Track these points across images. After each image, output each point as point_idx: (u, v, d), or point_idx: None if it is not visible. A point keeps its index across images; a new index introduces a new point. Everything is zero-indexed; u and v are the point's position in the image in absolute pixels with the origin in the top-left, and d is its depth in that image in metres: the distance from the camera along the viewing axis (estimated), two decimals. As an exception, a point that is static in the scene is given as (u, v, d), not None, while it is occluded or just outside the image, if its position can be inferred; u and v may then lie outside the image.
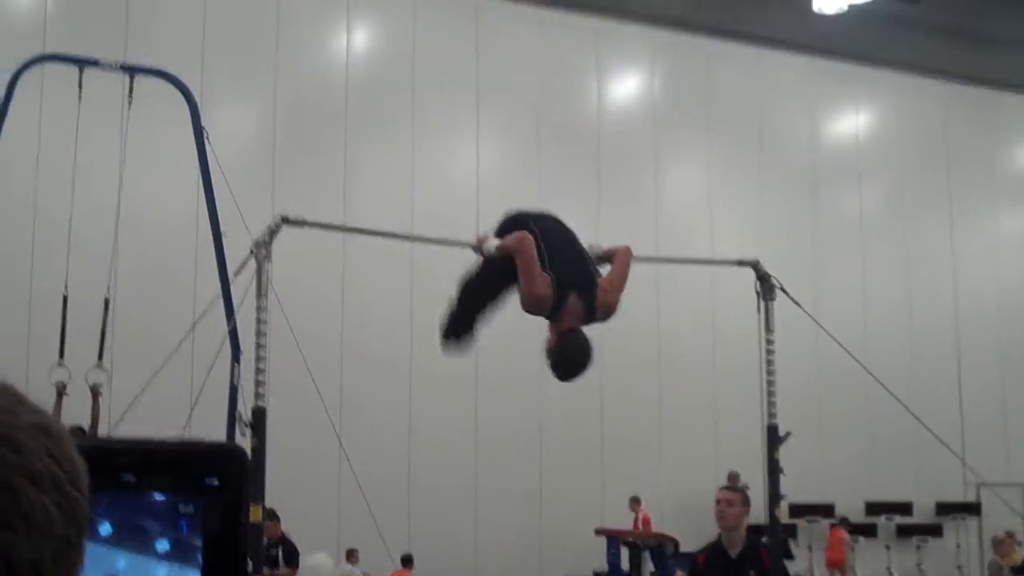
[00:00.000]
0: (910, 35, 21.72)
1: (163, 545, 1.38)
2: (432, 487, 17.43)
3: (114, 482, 1.33)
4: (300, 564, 13.90)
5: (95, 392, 10.97)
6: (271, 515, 12.19)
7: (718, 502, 7.02)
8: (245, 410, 7.41)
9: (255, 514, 6.90)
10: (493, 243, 6.72)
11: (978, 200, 22.76)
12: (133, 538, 1.37)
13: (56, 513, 1.10)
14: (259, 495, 6.80)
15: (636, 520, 17.77)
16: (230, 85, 17.10)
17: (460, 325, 7.39)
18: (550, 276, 6.49)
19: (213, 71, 16.61)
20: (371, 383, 17.14)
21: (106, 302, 11.41)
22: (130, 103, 11.03)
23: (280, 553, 13.54)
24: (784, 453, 8.11)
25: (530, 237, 6.55)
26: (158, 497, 1.37)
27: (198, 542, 1.38)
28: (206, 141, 10.89)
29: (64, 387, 10.76)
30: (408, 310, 17.41)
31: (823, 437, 19.60)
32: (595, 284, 6.69)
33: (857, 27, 20.70)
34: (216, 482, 1.39)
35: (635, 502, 17.93)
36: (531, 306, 6.62)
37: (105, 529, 1.35)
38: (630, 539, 16.68)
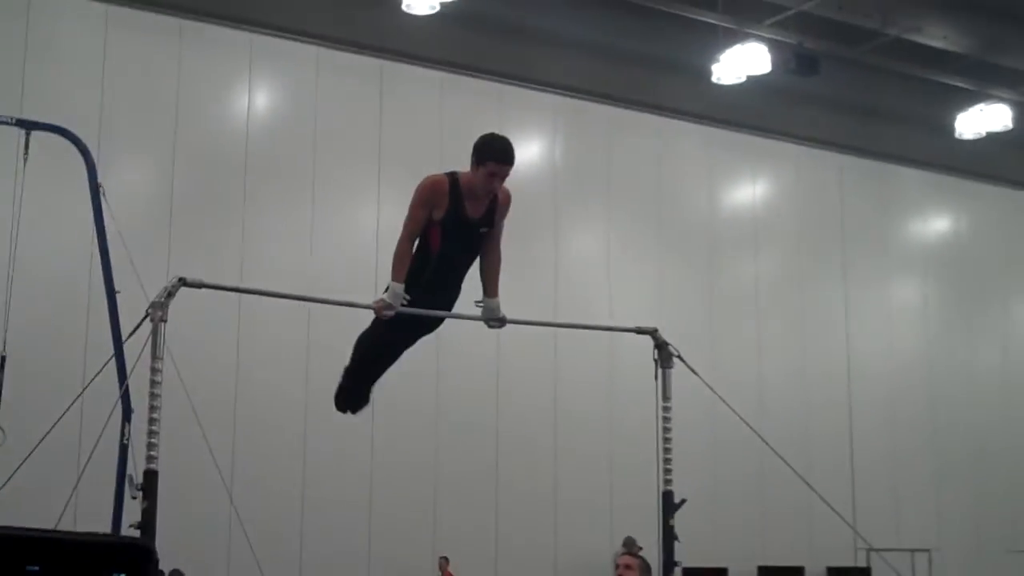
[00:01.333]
0: (807, 107, 22.18)
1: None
2: (324, 552, 17.22)
3: (19, 573, 1.31)
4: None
5: None
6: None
7: (617, 566, 7.05)
8: (136, 472, 7.27)
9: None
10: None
11: (872, 267, 23.19)
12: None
13: None
14: None
15: None
16: (128, 143, 16.93)
17: (355, 384, 7.45)
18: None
19: (111, 128, 16.46)
20: (265, 445, 16.95)
21: (1, 360, 11.21)
22: (26, 159, 10.89)
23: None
24: (679, 518, 8.12)
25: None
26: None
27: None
28: (102, 198, 10.78)
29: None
30: (304, 372, 17.27)
31: (717, 502, 19.73)
32: None
33: (755, 98, 21.08)
34: (122, 577, 1.37)
35: (444, 561, 17.78)
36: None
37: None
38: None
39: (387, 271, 7.27)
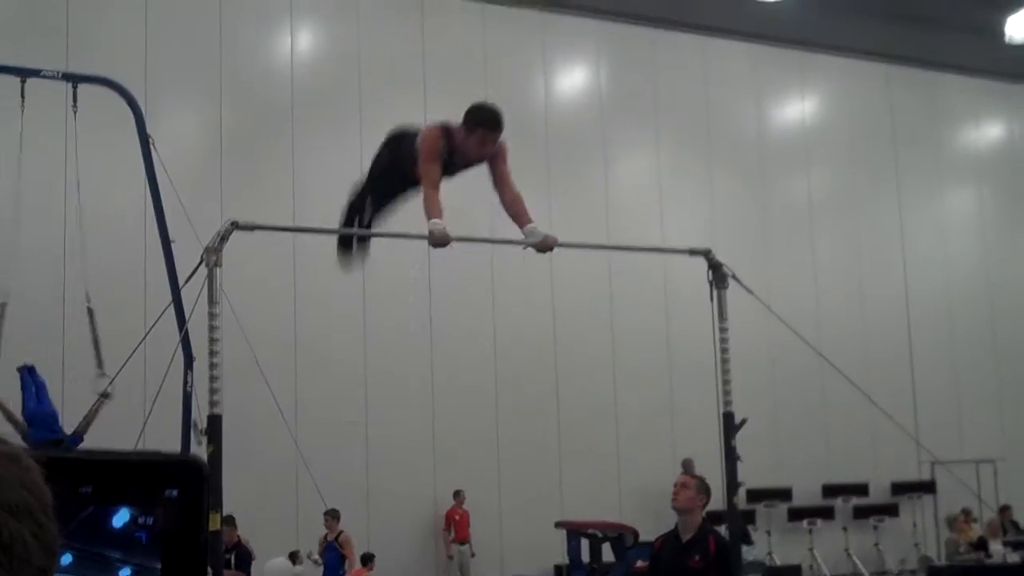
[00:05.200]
0: (850, 19, 21.86)
1: (125, 573, 1.38)
2: (391, 490, 17.38)
3: (73, 495, 1.32)
4: (252, 570, 13.88)
5: (104, 397, 11.03)
6: (227, 520, 12.15)
7: (675, 486, 7.09)
8: (200, 417, 7.36)
9: (214, 523, 6.86)
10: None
11: (925, 180, 22.94)
12: (94, 567, 1.36)
13: (33, 544, 1.09)
14: (217, 503, 6.77)
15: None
16: (175, 91, 16.97)
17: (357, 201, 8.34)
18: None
19: (157, 77, 16.48)
20: (327, 386, 17.07)
21: (89, 312, 11.35)
22: (75, 112, 10.95)
23: (233, 558, 13.48)
24: (740, 440, 8.13)
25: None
26: (116, 524, 1.37)
27: (158, 565, 1.37)
28: (152, 148, 10.83)
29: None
30: (361, 310, 17.37)
31: (778, 423, 19.73)
32: None
33: (798, 13, 20.83)
34: (175, 493, 1.39)
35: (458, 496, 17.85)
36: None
37: (66, 559, 1.33)
38: (590, 531, 16.71)
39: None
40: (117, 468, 1.41)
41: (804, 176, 21.86)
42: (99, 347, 11.38)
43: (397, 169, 7.72)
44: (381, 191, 8.06)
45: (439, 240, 7.18)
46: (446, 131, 7.38)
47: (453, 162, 7.41)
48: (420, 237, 7.52)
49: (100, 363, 11.23)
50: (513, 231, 7.63)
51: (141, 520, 1.38)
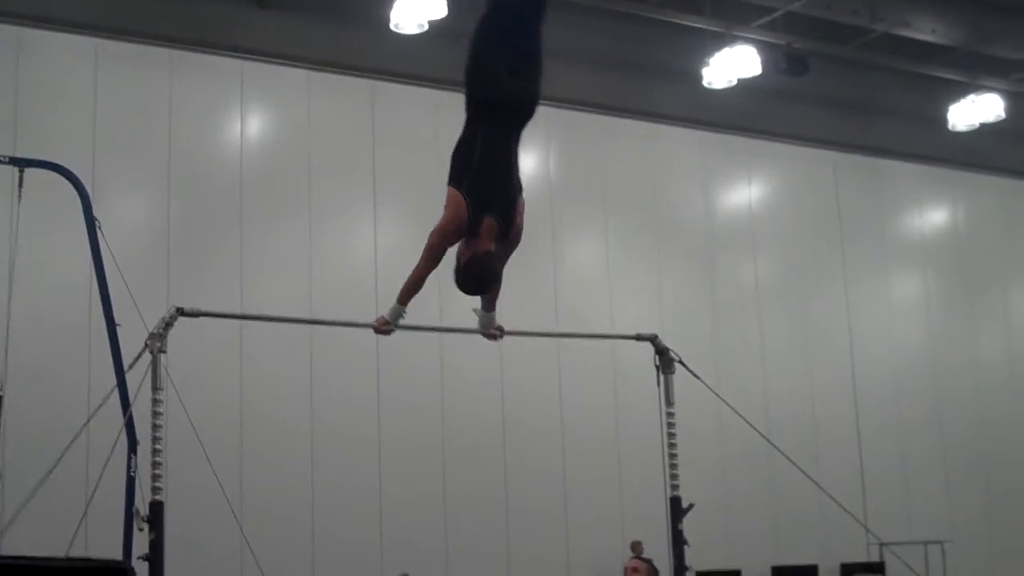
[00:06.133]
0: (798, 107, 22.20)
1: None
2: (338, 574, 17.19)
3: None
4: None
5: None
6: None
7: (625, 570, 7.09)
8: (143, 503, 7.29)
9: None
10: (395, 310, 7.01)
11: (871, 264, 23.18)
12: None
13: None
14: (159, 590, 6.68)
15: None
16: (122, 175, 16.93)
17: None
18: (465, 199, 6.84)
19: (105, 161, 16.46)
20: (273, 470, 16.92)
21: None
22: (20, 196, 10.93)
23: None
24: (689, 523, 8.14)
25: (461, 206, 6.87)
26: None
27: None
28: (99, 232, 10.81)
29: None
30: (308, 392, 17.28)
31: (728, 504, 19.74)
32: (514, 206, 6.85)
33: (747, 100, 21.11)
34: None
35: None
36: (445, 235, 6.93)
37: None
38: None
39: (386, 288, 7.35)
40: (46, 574, 1.40)
41: (751, 261, 22.02)
42: None
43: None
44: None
45: (380, 326, 7.12)
46: (471, 215, 7.00)
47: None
48: (365, 326, 7.49)
49: None
50: (463, 315, 7.62)
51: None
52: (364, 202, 18.54)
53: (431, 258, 6.95)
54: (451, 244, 7.01)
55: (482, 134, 6.97)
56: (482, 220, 6.86)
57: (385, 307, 7.42)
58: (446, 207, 6.95)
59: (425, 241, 7.10)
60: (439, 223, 6.99)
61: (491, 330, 7.44)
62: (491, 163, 6.99)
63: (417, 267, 7.02)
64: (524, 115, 7.07)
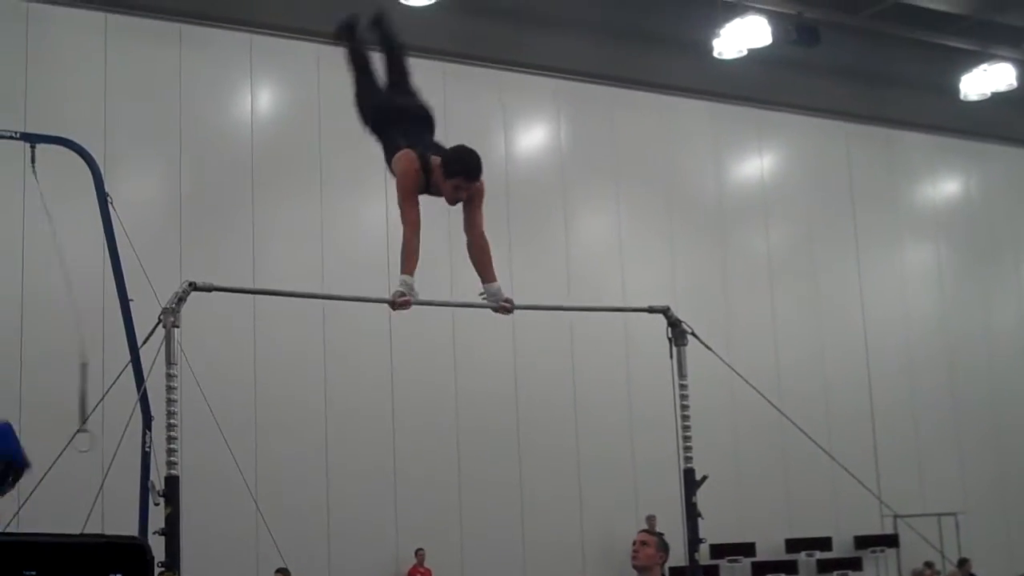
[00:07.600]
0: (809, 77, 22.11)
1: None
2: (352, 548, 17.26)
3: None
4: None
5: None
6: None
7: (633, 543, 7.05)
8: (158, 478, 7.30)
9: (172, 584, 6.77)
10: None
11: (884, 236, 23.11)
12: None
13: None
14: (175, 564, 6.69)
15: None
16: (134, 150, 16.92)
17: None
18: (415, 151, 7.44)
19: (116, 136, 16.45)
20: (287, 445, 16.96)
21: (83, 367, 11.22)
22: (33, 172, 10.91)
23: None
24: (703, 496, 8.12)
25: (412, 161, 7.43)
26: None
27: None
28: (110, 207, 10.78)
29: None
30: (322, 368, 17.30)
31: (741, 478, 19.75)
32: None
33: (758, 71, 21.02)
34: (120, 577, 1.37)
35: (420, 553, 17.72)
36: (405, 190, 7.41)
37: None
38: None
39: (397, 261, 7.34)
40: (62, 551, 1.40)
41: (763, 232, 21.98)
42: (84, 403, 11.22)
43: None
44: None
45: (399, 306, 7.11)
46: (424, 163, 7.30)
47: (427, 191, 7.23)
48: (380, 301, 7.47)
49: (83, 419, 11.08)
50: (474, 286, 7.60)
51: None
52: (376, 175, 18.43)
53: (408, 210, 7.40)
54: (417, 191, 7.36)
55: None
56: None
57: (396, 278, 7.41)
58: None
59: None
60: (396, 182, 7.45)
61: (500, 303, 7.41)
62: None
63: (403, 233, 7.23)
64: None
